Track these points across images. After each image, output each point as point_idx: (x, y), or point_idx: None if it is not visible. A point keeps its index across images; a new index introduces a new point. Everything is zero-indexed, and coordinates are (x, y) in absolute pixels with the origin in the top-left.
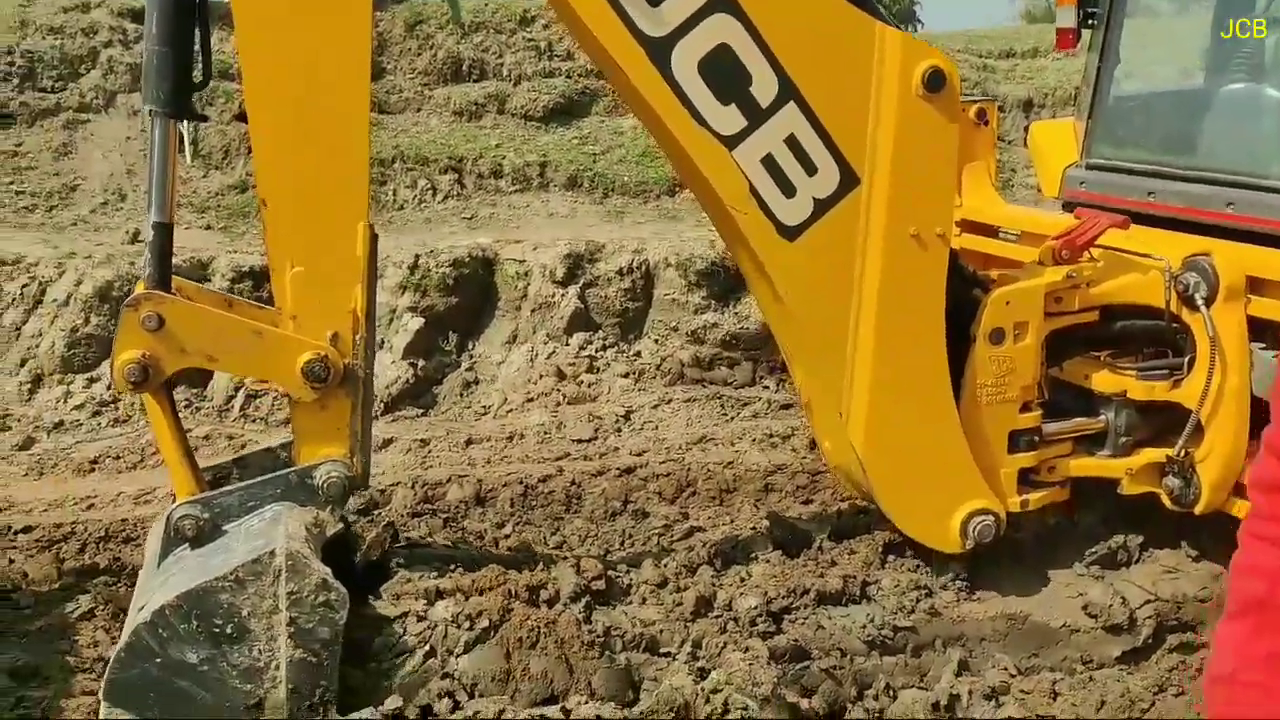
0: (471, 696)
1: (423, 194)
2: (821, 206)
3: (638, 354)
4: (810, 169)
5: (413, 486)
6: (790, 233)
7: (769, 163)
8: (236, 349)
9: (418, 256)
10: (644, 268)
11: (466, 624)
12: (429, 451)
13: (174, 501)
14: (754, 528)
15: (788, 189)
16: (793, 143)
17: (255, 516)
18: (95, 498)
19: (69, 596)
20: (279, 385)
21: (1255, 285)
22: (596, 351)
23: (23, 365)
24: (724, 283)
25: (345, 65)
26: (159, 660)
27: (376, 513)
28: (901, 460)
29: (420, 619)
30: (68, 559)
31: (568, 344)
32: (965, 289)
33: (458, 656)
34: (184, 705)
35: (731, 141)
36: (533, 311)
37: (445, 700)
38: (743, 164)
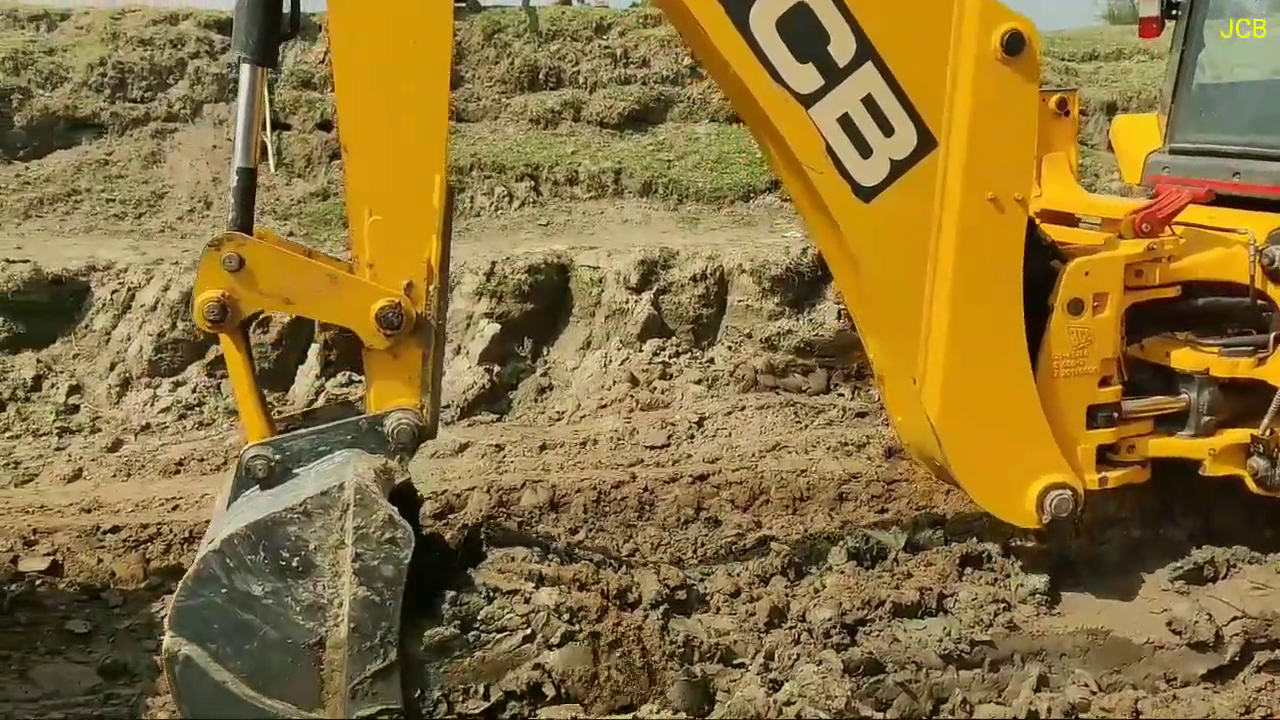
0: (557, 691)
1: (499, 201)
2: (899, 168)
3: (711, 360)
4: (887, 130)
5: (488, 491)
6: (866, 194)
7: (845, 122)
8: (312, 293)
9: (494, 263)
10: (718, 274)
11: (567, 616)
12: (504, 456)
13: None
14: (828, 537)
15: (864, 149)
16: (870, 103)
17: (325, 460)
18: (180, 499)
19: (155, 596)
20: (353, 329)
21: None
22: (670, 358)
23: (112, 369)
24: (798, 289)
25: (428, 14)
26: (225, 590)
27: (451, 516)
28: (977, 428)
29: (526, 600)
30: (154, 559)
31: (641, 350)
32: (1043, 258)
33: (553, 648)
34: (247, 638)
35: (808, 100)
36: (606, 318)
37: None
38: (819, 122)
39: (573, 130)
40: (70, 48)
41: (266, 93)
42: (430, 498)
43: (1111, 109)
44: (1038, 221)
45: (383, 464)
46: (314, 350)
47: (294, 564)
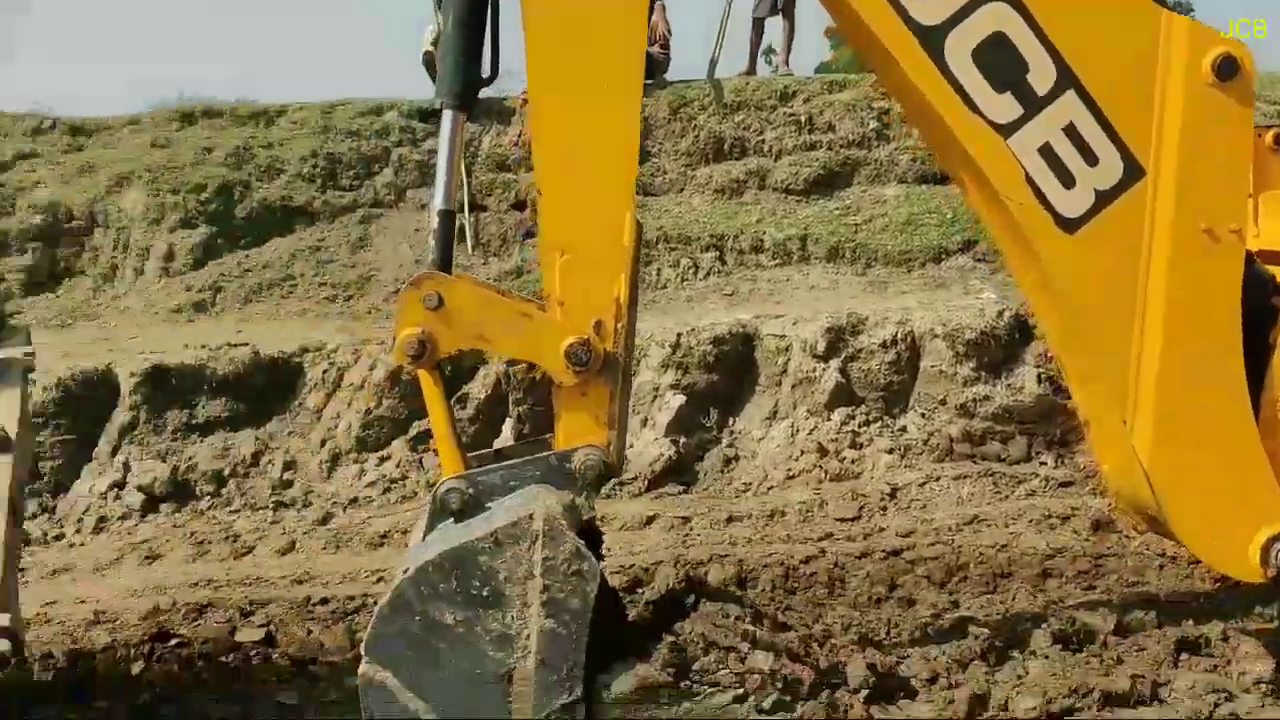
0: None
1: (685, 272)
2: (1104, 198)
3: (903, 429)
4: (1091, 159)
5: (675, 565)
6: (1070, 225)
7: (1046, 152)
8: (505, 330)
9: (679, 335)
10: (909, 339)
11: (780, 685)
12: (690, 529)
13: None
14: (1031, 618)
15: (1067, 179)
16: (1072, 132)
17: (515, 495)
18: (384, 571)
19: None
20: (543, 365)
21: None
22: (859, 427)
23: (323, 445)
24: (995, 353)
25: (622, 61)
26: (418, 618)
27: (639, 591)
28: (1193, 471)
29: (741, 660)
30: (359, 630)
31: (829, 419)
32: (1263, 293)
33: (762, 714)
34: (438, 667)
35: (1006, 130)
36: (793, 387)
37: None
38: (1018, 152)
39: (758, 198)
40: (286, 141)
41: (461, 143)
42: (618, 571)
43: None
44: (1256, 259)
45: (570, 500)
46: (508, 425)
47: (484, 594)
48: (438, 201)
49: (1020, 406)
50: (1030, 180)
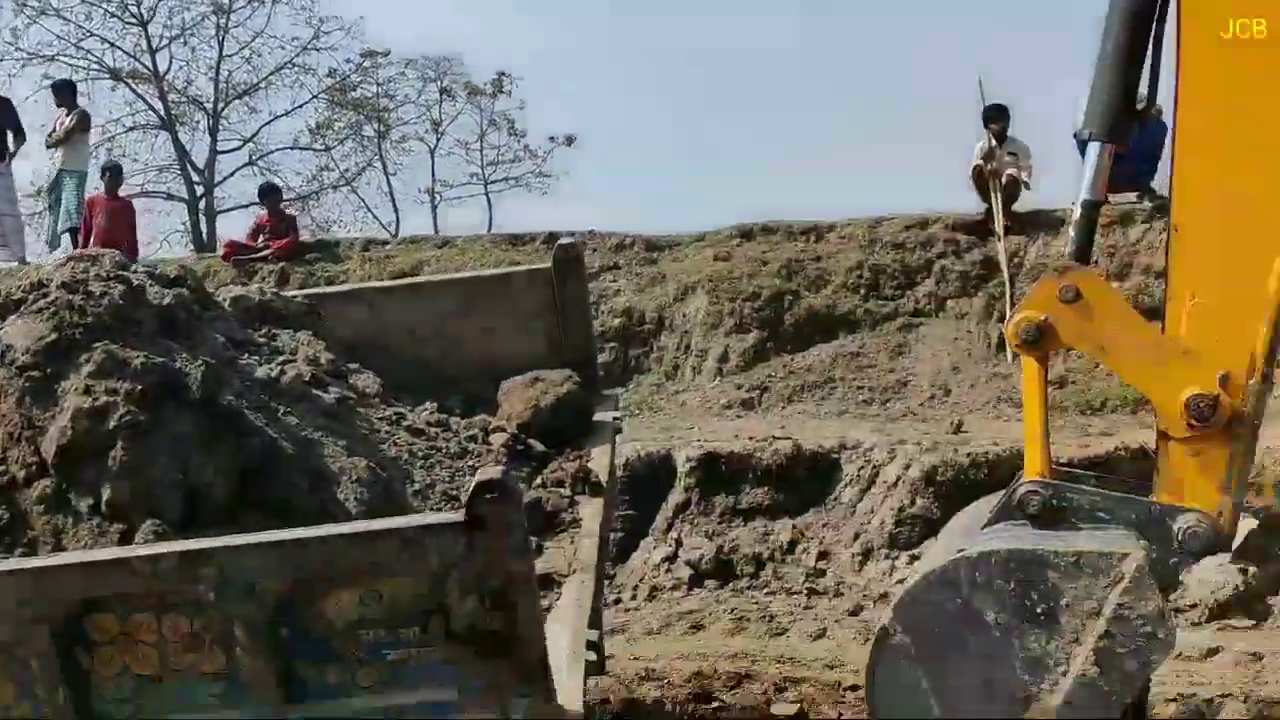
0: None
1: None
2: None
3: None
4: None
5: (1244, 700)
6: None
7: None
8: (1131, 351)
9: None
10: None
11: None
12: (1262, 666)
13: (1021, 477)
14: None
15: None
16: None
17: (1106, 529)
18: None
19: None
20: (1154, 406)
21: None
22: None
23: (856, 539)
24: None
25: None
26: (959, 600)
27: None
28: None
29: None
30: None
31: None
32: None
33: None
34: (958, 658)
35: None
36: None
37: None
38: None
39: None
40: (834, 254)
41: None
42: (1175, 700)
43: None
44: None
45: (1167, 561)
46: None
47: (1038, 610)
48: (1084, 192)
49: None
50: None
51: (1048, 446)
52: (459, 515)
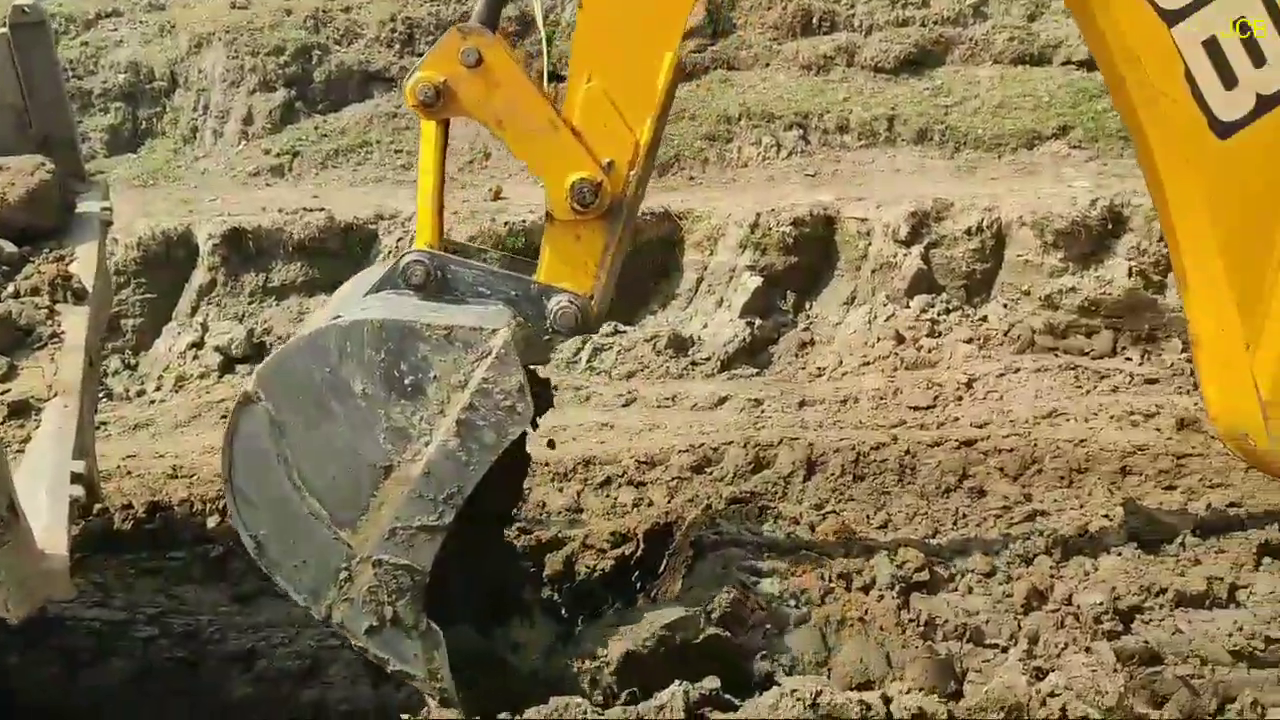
0: (789, 674)
1: (766, 151)
2: (1265, 104)
3: (984, 319)
4: (1258, 59)
5: (744, 446)
6: (1223, 129)
7: (1211, 46)
8: (526, 128)
9: (758, 215)
10: (995, 227)
11: (792, 602)
12: (762, 412)
13: (410, 245)
14: (1106, 515)
15: (1228, 79)
16: (1243, 28)
17: (484, 304)
18: None
19: None
20: (543, 186)
21: None
22: (939, 315)
23: None
24: (1085, 244)
25: None
26: (329, 370)
27: (709, 469)
28: None
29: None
30: None
31: (908, 306)
32: None
33: (780, 636)
34: (322, 428)
35: (1173, 17)
36: (873, 272)
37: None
38: (1181, 44)
39: (845, 76)
40: (364, 5)
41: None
42: (688, 450)
43: None
44: None
45: (537, 338)
46: None
47: (406, 381)
48: None
49: (1108, 300)
50: (1189, 75)
51: (439, 217)
52: None
